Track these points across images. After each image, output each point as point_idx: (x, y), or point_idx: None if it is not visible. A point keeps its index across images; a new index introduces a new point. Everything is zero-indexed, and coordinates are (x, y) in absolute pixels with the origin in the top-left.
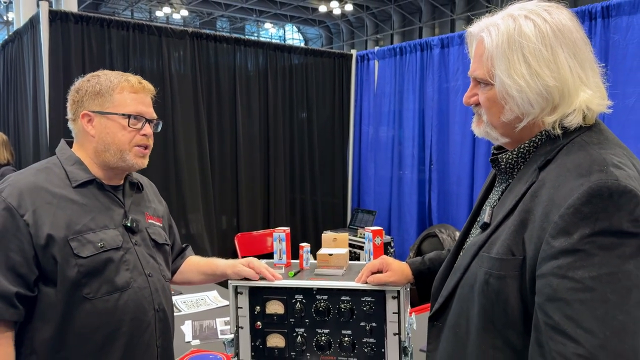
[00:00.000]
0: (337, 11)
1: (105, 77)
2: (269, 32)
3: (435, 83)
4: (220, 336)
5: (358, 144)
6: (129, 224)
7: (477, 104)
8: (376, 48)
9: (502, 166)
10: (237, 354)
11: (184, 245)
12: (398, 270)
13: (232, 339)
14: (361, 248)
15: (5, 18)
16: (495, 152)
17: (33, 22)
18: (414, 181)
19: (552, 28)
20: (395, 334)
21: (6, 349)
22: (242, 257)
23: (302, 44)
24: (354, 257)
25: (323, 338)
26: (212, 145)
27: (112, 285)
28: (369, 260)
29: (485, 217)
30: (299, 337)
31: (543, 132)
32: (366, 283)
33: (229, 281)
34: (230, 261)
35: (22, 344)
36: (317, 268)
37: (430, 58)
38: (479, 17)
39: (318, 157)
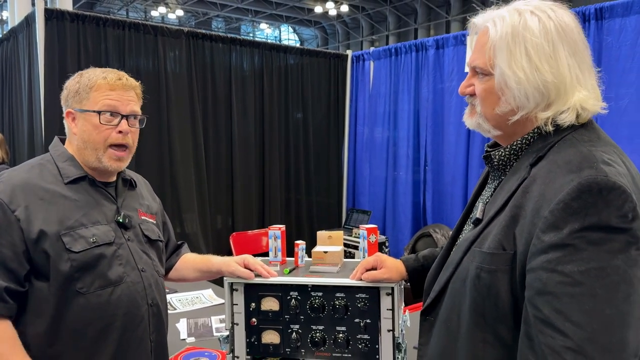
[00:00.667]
0: (332, 12)
1: (87, 75)
2: (265, 32)
3: (430, 84)
4: (215, 334)
5: (353, 144)
6: (121, 220)
7: (472, 95)
8: (371, 49)
9: (495, 163)
10: (232, 351)
11: (179, 243)
12: (392, 267)
13: (228, 336)
14: (356, 248)
15: None
16: (488, 149)
17: (28, 21)
18: (408, 181)
19: (555, 25)
20: (389, 331)
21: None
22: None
23: (298, 45)
24: (349, 256)
25: (318, 334)
26: (207, 145)
27: (105, 279)
28: (364, 257)
29: (477, 213)
30: (294, 333)
31: (535, 130)
32: (361, 280)
33: (224, 278)
34: (226, 258)
35: None
36: (312, 265)
37: (425, 59)
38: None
39: (313, 157)
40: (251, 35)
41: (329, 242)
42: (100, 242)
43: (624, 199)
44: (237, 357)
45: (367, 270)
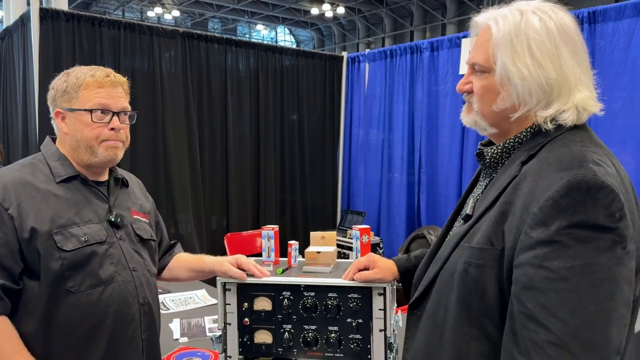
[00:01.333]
0: (329, 14)
1: (74, 74)
2: (261, 34)
3: (424, 86)
4: (208, 334)
5: (348, 146)
6: (113, 219)
7: (470, 92)
8: (367, 50)
9: (487, 160)
10: (224, 350)
11: (172, 242)
12: (384, 267)
13: (220, 336)
14: (350, 249)
15: None
16: (481, 147)
17: (24, 20)
18: (403, 183)
19: (556, 25)
20: (381, 330)
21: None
22: None
23: (294, 46)
24: (343, 257)
25: (310, 334)
26: (202, 145)
27: (96, 278)
28: (357, 258)
29: (467, 209)
30: (287, 333)
31: (528, 129)
32: (353, 280)
33: (217, 278)
34: (219, 258)
35: None
36: (305, 265)
37: (420, 61)
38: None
39: (308, 158)
40: (247, 36)
41: (322, 243)
42: (91, 241)
43: (611, 198)
44: (230, 357)
45: (360, 270)
